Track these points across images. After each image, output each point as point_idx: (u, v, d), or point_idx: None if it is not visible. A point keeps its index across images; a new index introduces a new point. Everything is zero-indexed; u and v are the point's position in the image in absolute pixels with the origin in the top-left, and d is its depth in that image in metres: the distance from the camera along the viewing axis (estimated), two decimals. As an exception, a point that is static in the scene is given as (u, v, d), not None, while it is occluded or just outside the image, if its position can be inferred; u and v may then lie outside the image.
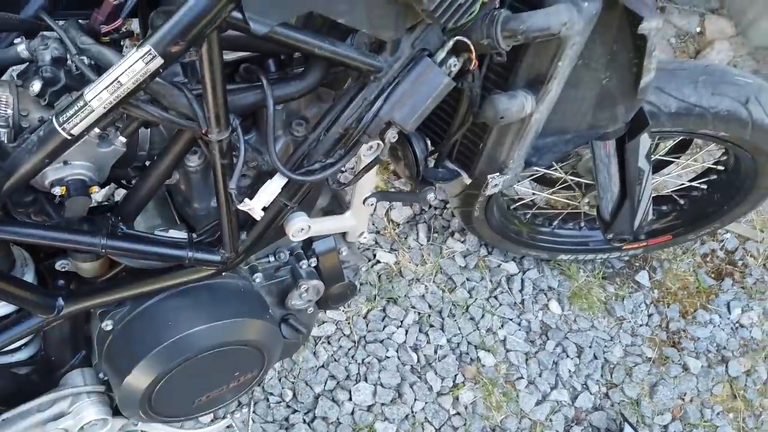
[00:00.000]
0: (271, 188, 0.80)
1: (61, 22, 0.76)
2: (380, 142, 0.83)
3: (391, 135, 0.81)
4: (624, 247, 1.80)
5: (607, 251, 1.85)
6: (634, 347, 1.81)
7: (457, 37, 0.78)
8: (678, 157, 1.64)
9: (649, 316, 1.87)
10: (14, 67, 0.81)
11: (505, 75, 0.86)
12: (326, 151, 0.82)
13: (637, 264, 1.97)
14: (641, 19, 0.79)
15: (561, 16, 0.75)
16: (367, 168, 0.87)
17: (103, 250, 0.81)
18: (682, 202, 1.75)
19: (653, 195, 1.72)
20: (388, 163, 1.99)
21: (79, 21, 0.78)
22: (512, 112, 0.82)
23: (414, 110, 0.79)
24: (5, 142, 0.69)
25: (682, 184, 1.73)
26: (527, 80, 0.84)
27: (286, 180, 0.81)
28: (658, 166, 1.65)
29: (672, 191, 1.75)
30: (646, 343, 1.82)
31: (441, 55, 0.79)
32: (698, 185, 1.70)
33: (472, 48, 0.78)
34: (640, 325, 1.85)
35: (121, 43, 0.83)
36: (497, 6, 0.78)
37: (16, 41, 0.75)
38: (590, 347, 1.79)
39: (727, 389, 1.80)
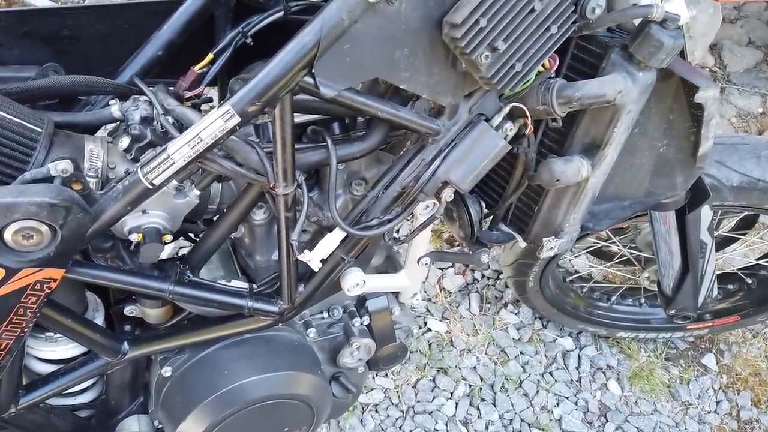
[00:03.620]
0: (330, 241, 0.84)
1: (150, 88, 0.85)
2: (436, 201, 0.85)
3: (447, 194, 0.84)
4: (688, 326, 1.72)
5: (669, 330, 1.77)
6: (702, 436, 1.70)
7: (513, 103, 0.81)
8: (744, 234, 1.58)
9: (718, 402, 1.76)
10: (105, 126, 0.90)
11: (562, 140, 0.88)
12: (384, 208, 0.85)
13: (703, 346, 1.87)
14: (697, 88, 0.81)
15: (616, 84, 0.78)
16: (423, 225, 0.90)
17: (170, 296, 0.85)
18: (749, 281, 1.67)
19: (719, 272, 1.66)
20: (441, 232, 2.01)
21: (168, 88, 0.87)
22: (568, 176, 0.83)
23: (470, 171, 0.82)
24: (94, 190, 0.76)
25: (750, 262, 1.66)
26: (583, 145, 0.85)
27: (344, 234, 0.84)
28: (723, 243, 1.60)
29: (738, 269, 1.68)
30: (715, 432, 1.70)
31: (497, 119, 0.82)
32: (766, 264, 1.63)
33: (528, 113, 0.81)
34: (708, 412, 1.74)
35: (201, 107, 0.92)
36: (553, 75, 0.81)
37: (110, 103, 0.84)
38: (653, 433, 1.69)
39: (807, 488, 1.64)
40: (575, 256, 1.76)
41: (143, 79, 0.89)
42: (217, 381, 0.91)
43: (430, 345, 1.79)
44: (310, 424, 1.02)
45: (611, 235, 1.59)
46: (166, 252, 1.61)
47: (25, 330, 0.76)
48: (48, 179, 0.70)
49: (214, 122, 0.71)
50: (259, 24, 0.92)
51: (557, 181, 0.83)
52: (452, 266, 1.96)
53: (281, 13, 0.92)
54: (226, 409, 0.91)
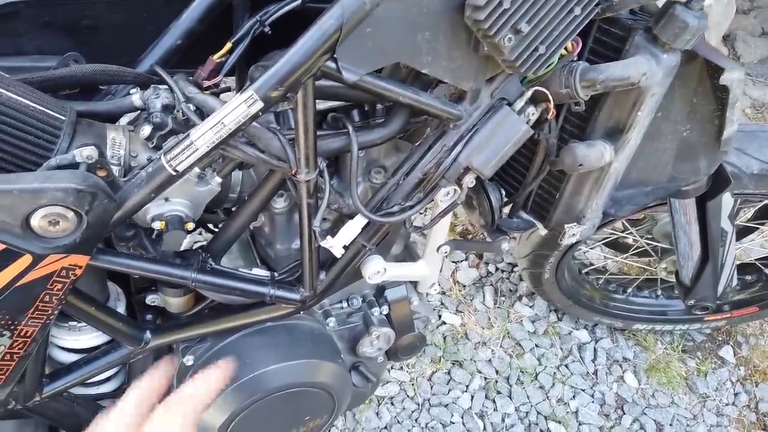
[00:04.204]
0: (352, 227, 0.83)
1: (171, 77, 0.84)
2: (457, 187, 0.85)
3: (469, 180, 0.84)
4: (705, 318, 1.71)
5: (687, 322, 1.76)
6: (720, 428, 1.68)
7: (536, 87, 0.80)
8: (763, 224, 1.57)
9: (736, 394, 1.75)
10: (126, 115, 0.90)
11: (583, 125, 0.87)
12: (405, 194, 0.84)
13: (720, 338, 1.86)
14: (722, 70, 0.80)
15: (640, 66, 0.77)
16: (445, 212, 0.89)
17: (193, 284, 0.85)
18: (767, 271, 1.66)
19: (737, 263, 1.64)
20: (455, 225, 2.00)
21: (188, 77, 0.87)
22: (591, 160, 0.83)
23: (492, 156, 0.81)
24: (118, 177, 0.76)
25: (768, 252, 1.65)
26: (606, 129, 0.85)
27: (366, 221, 0.84)
28: (741, 233, 1.59)
29: (757, 260, 1.67)
30: (733, 425, 1.69)
31: (519, 104, 0.81)
32: (785, 254, 1.62)
33: (551, 98, 0.80)
34: (726, 405, 1.72)
35: (220, 97, 0.92)
36: (575, 58, 0.81)
37: (131, 91, 0.84)
38: (671, 425, 1.68)
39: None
40: (591, 248, 1.76)
41: (163, 68, 0.89)
42: (238, 369, 0.91)
43: (445, 338, 1.79)
44: (331, 413, 1.01)
45: (628, 225, 1.58)
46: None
47: (51, 318, 0.76)
48: (73, 165, 0.70)
49: (238, 107, 0.71)
50: (276, 13, 0.91)
51: (580, 165, 0.83)
52: (466, 259, 1.95)
53: (299, 1, 0.92)
54: (247, 398, 0.91)
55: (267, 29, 0.92)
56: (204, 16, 0.91)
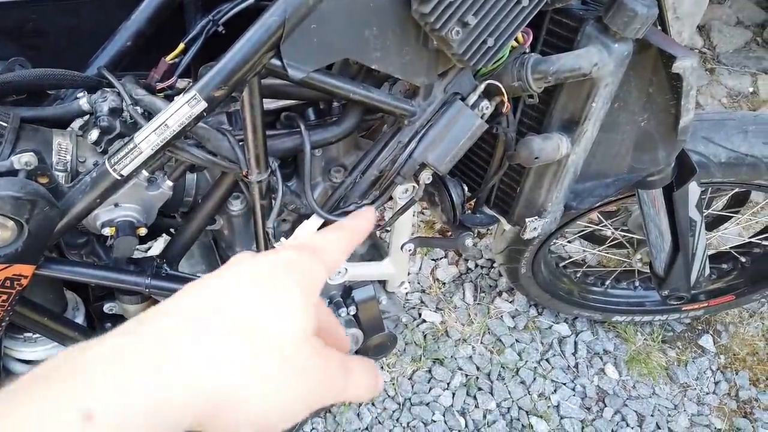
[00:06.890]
0: (308, 228, 0.82)
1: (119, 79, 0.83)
2: (415, 184, 0.84)
3: (426, 177, 0.82)
4: (683, 308, 1.71)
5: (665, 312, 1.75)
6: (701, 417, 1.68)
7: (488, 81, 0.79)
8: (737, 212, 1.57)
9: (716, 383, 1.74)
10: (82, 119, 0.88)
11: (541, 118, 0.86)
12: (362, 192, 0.83)
13: (700, 327, 1.86)
14: (674, 58, 0.79)
15: (591, 57, 0.76)
16: (403, 210, 0.88)
17: (147, 290, 0.83)
18: (743, 259, 1.66)
19: (712, 252, 1.64)
20: (433, 222, 1.99)
21: (138, 79, 0.85)
22: (547, 153, 0.82)
23: (447, 152, 0.80)
24: (62, 184, 0.74)
25: (743, 240, 1.65)
26: (562, 122, 0.84)
27: (322, 221, 0.83)
28: (716, 222, 1.59)
29: (732, 248, 1.67)
30: (714, 413, 1.69)
31: (473, 98, 0.80)
32: (760, 242, 1.61)
33: (504, 91, 0.79)
34: (707, 393, 1.72)
35: (175, 99, 0.90)
36: (527, 50, 0.80)
37: (79, 95, 0.82)
38: (652, 416, 1.67)
39: (809, 466, 1.63)
40: (568, 242, 1.75)
41: (113, 71, 0.87)
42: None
43: (425, 336, 1.77)
44: (298, 417, 1.00)
45: (603, 218, 1.58)
46: (158, 249, 1.60)
47: (-2, 329, 0.74)
48: (12, 173, 0.68)
49: (180, 108, 0.70)
50: (230, 11, 0.90)
51: (536, 158, 0.82)
52: (445, 256, 1.94)
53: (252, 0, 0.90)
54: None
55: (221, 28, 0.90)
56: (154, 16, 0.90)
